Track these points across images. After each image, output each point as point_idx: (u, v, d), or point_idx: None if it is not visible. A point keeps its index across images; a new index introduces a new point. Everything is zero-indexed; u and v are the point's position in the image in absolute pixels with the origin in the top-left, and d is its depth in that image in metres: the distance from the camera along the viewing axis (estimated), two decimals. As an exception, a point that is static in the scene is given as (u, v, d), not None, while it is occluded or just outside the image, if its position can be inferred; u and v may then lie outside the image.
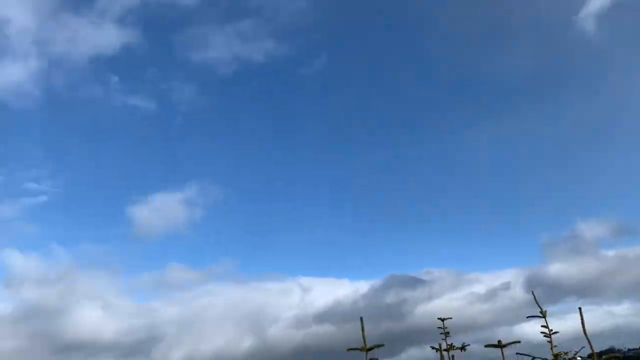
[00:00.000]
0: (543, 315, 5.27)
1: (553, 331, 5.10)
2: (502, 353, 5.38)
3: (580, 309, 4.43)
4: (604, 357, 4.21)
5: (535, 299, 5.29)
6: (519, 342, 5.35)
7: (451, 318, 5.41)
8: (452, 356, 4.64)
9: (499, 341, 5.40)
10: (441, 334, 5.39)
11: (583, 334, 4.58)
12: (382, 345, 4.32)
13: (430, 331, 4.85)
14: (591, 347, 4.24)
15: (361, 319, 4.48)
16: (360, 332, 4.41)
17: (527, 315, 5.47)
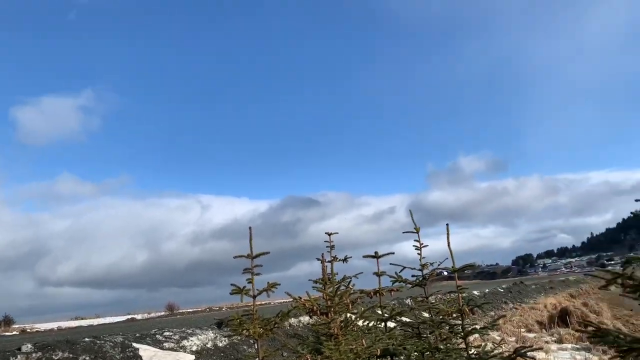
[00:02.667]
0: (417, 231, 5.77)
1: (423, 245, 5.61)
2: (377, 263, 5.86)
3: (447, 225, 4.93)
4: (460, 266, 4.77)
5: (412, 217, 5.74)
6: (393, 253, 5.86)
7: (337, 233, 5.70)
8: (331, 263, 4.95)
9: (376, 252, 5.87)
10: (327, 247, 5.69)
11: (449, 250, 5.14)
12: (267, 252, 4.48)
13: (321, 248, 5.12)
14: (452, 258, 4.77)
15: (250, 228, 4.57)
16: (254, 244, 4.55)
17: (403, 231, 5.92)
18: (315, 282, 5.38)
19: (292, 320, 12.97)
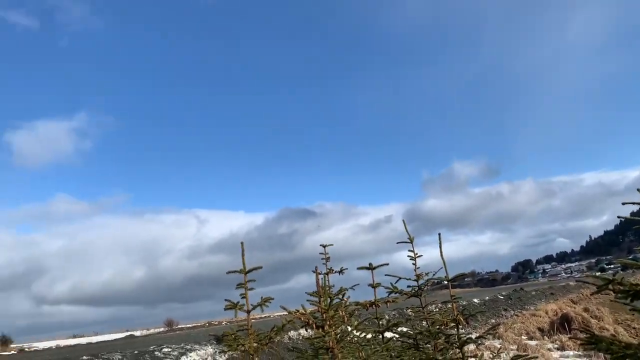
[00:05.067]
0: (410, 241, 5.77)
1: (418, 255, 5.60)
2: (372, 274, 5.84)
3: (439, 234, 4.93)
4: (452, 276, 4.76)
5: (405, 227, 5.74)
6: (387, 264, 5.84)
7: (332, 245, 5.70)
8: (327, 275, 4.93)
9: (370, 264, 5.86)
10: (322, 259, 5.68)
11: (449, 260, 5.13)
12: (260, 267, 4.47)
13: (319, 260, 5.13)
14: (445, 268, 4.77)
15: (242, 243, 4.57)
16: (248, 259, 4.55)
17: (397, 242, 5.92)
18: (311, 294, 5.36)
19: (292, 333, 12.89)
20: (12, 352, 20.50)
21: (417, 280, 5.58)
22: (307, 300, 5.23)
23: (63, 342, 23.83)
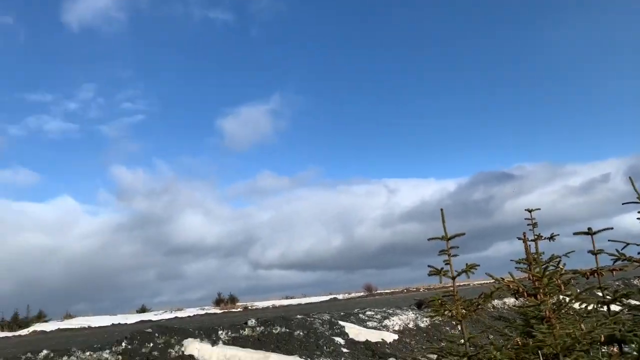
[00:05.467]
0: (640, 201, 5.01)
1: (652, 216, 4.83)
2: (592, 240, 5.23)
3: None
4: None
5: (633, 184, 5.00)
6: (611, 228, 5.15)
7: (539, 209, 5.24)
8: (535, 241, 4.57)
9: (589, 228, 5.23)
10: (528, 225, 5.28)
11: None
12: (463, 234, 4.35)
13: (520, 226, 4.77)
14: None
15: (441, 210, 4.51)
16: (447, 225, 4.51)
17: (623, 202, 5.20)
18: (518, 262, 5.05)
19: (496, 302, 12.43)
20: (239, 309, 24.04)
21: (651, 246, 4.81)
22: (516, 268, 4.94)
23: (277, 302, 26.94)
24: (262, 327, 9.58)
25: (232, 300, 31.96)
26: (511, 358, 3.72)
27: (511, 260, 5.13)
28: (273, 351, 8.44)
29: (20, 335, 15.61)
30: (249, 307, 24.72)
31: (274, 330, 9.47)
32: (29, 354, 7.72)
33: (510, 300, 11.47)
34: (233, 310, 23.30)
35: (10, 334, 15.94)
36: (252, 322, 9.89)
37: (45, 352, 7.83)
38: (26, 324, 18.44)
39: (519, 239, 5.19)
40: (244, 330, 9.45)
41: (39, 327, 17.67)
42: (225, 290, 32.32)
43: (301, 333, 9.41)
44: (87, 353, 7.84)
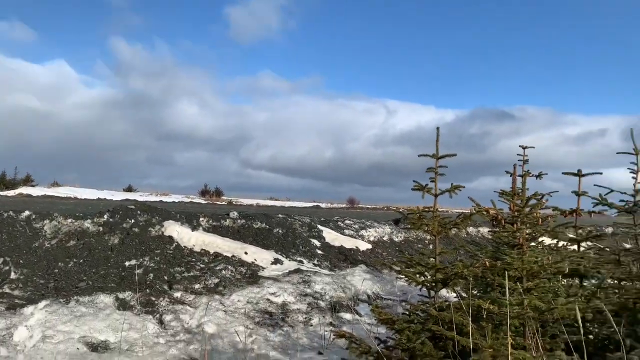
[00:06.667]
0: (636, 153, 4.99)
1: (642, 168, 4.84)
2: (580, 181, 5.27)
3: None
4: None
5: (632, 135, 4.97)
6: (600, 173, 5.18)
7: (533, 147, 5.20)
8: (523, 177, 4.59)
9: (579, 170, 5.25)
10: (519, 160, 5.26)
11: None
12: (454, 154, 4.34)
13: (510, 165, 4.74)
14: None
15: (437, 128, 4.46)
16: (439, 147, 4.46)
17: (617, 152, 5.18)
18: (502, 193, 5.11)
19: (471, 229, 12.83)
20: (223, 202, 24.60)
21: (634, 196, 4.88)
22: (499, 199, 5.00)
23: (262, 202, 27.55)
24: (243, 221, 9.84)
25: (218, 193, 32.60)
26: (477, 275, 3.87)
27: (495, 191, 5.20)
28: (251, 244, 8.74)
29: (6, 196, 15.92)
30: (234, 202, 25.29)
31: (254, 225, 9.74)
32: (10, 212, 7.88)
33: (485, 230, 11.84)
34: (218, 202, 23.85)
35: (-4, 193, 16.21)
36: (234, 214, 10.14)
37: (27, 213, 7.99)
38: (13, 185, 18.73)
39: (508, 172, 5.21)
40: (225, 221, 9.70)
41: (25, 190, 17.99)
42: (213, 183, 32.91)
43: (280, 231, 9.71)
44: (69, 220, 8.03)
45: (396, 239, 11.25)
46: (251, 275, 7.25)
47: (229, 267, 7.33)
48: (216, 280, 6.75)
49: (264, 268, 7.75)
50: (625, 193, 5.02)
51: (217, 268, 7.20)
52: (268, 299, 6.50)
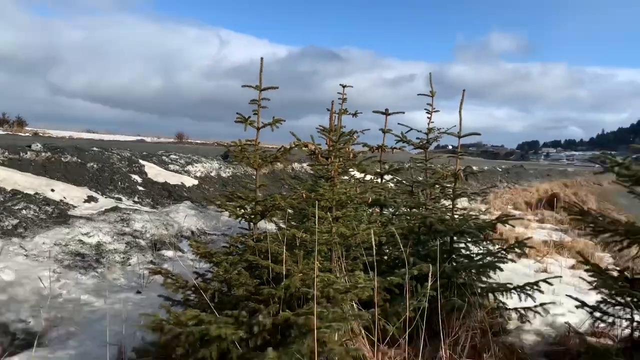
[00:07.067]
0: (432, 94, 5.63)
1: (435, 109, 5.52)
2: (386, 120, 5.82)
3: (464, 91, 4.79)
4: (465, 133, 4.72)
5: (430, 80, 5.57)
6: (403, 112, 5.78)
7: (352, 87, 5.54)
8: (340, 115, 4.89)
9: (386, 109, 5.79)
10: (339, 99, 5.59)
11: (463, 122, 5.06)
12: (276, 87, 4.39)
13: (335, 102, 5.01)
14: (460, 124, 4.71)
15: (261, 59, 4.44)
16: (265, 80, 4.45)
17: (418, 93, 5.77)
18: (321, 129, 5.41)
19: (296, 165, 13.43)
20: (27, 134, 21.52)
21: (427, 134, 5.60)
22: (318, 134, 5.30)
23: (76, 135, 24.86)
24: (49, 154, 8.75)
25: (20, 123, 28.37)
26: (294, 206, 4.11)
27: (316, 127, 5.49)
28: (59, 180, 7.88)
29: None
30: (40, 134, 22.29)
31: (63, 159, 8.74)
32: None
33: (308, 167, 12.55)
34: (20, 134, 20.74)
35: None
36: (37, 146, 8.95)
37: None
38: None
39: (328, 109, 5.53)
40: (26, 154, 8.51)
41: None
42: (13, 111, 28.34)
43: (95, 166, 8.91)
44: None
45: (224, 175, 11.24)
46: (59, 215, 6.59)
47: (32, 206, 6.53)
48: (15, 222, 5.97)
49: (75, 207, 7.09)
50: (420, 131, 5.74)
51: (16, 207, 6.36)
52: (80, 240, 6.02)
